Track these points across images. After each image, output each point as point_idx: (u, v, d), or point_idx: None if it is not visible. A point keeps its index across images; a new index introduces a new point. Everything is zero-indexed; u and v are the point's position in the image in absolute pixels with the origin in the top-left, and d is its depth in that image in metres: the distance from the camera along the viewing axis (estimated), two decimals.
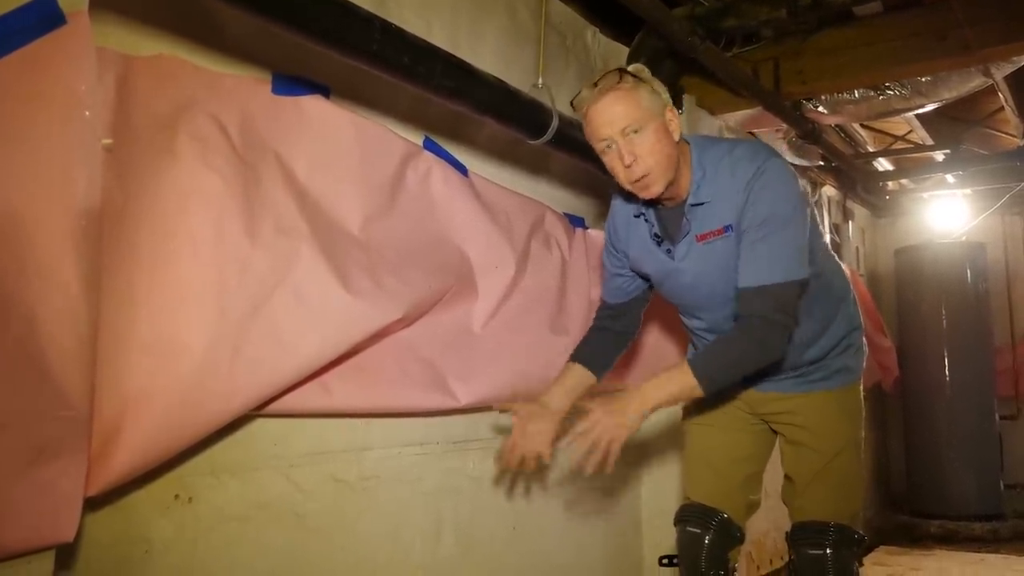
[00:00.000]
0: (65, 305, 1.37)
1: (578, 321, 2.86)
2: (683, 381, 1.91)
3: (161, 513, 1.75)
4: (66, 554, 1.54)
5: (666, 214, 2.08)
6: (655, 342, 3.18)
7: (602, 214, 3.47)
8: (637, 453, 3.63)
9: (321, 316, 1.90)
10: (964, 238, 6.54)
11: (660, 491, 3.59)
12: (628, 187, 1.97)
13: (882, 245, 7.19)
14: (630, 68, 1.96)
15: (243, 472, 1.92)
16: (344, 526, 2.17)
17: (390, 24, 2.00)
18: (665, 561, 2.45)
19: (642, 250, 2.16)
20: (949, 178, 6.17)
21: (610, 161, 1.95)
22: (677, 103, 2.08)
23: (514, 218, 2.71)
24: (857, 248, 6.58)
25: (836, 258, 2.29)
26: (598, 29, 3.52)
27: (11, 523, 1.33)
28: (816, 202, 5.71)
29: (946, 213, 6.72)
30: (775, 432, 2.32)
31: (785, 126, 4.31)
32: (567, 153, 2.81)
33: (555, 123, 2.60)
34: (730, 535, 2.26)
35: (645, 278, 2.24)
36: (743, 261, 1.92)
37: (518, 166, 3.00)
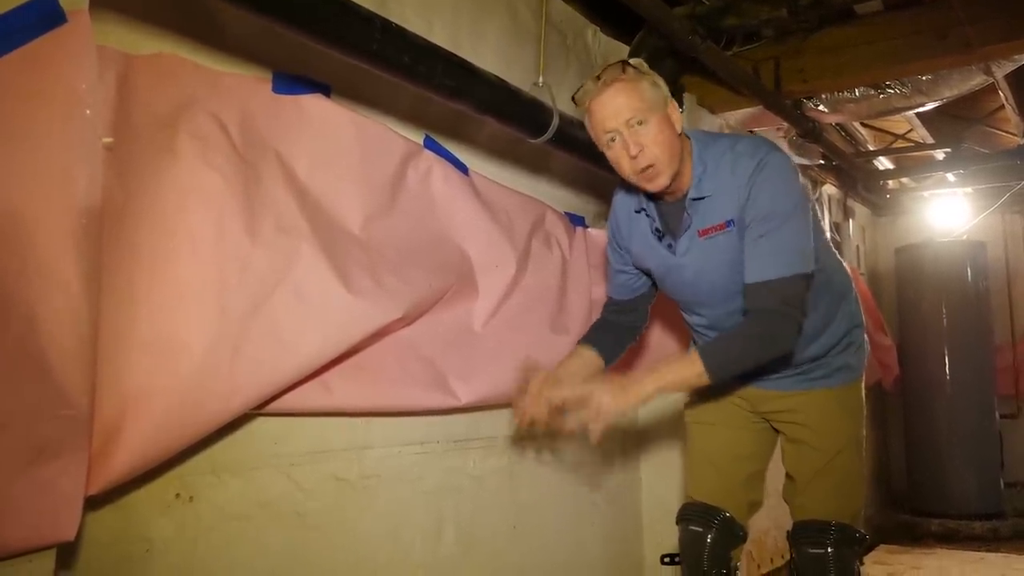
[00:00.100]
0: (65, 304, 1.37)
1: (579, 320, 2.86)
2: (690, 368, 1.91)
3: (162, 512, 1.75)
4: (67, 553, 1.54)
5: (667, 209, 2.08)
6: (657, 340, 3.18)
7: (602, 213, 3.47)
8: (638, 452, 3.63)
9: (322, 315, 1.90)
10: (964, 237, 6.54)
11: (661, 490, 3.59)
12: (634, 179, 1.97)
13: (883, 244, 7.19)
14: (631, 61, 1.96)
15: (244, 471, 1.92)
16: (345, 525, 2.17)
17: (391, 23, 2.00)
18: (667, 560, 2.45)
19: (643, 245, 2.16)
20: (950, 177, 6.16)
21: (615, 153, 1.95)
22: (678, 102, 2.09)
23: (515, 217, 2.71)
24: (858, 246, 6.58)
25: (838, 255, 2.29)
26: (599, 28, 3.52)
27: (12, 522, 1.33)
28: (817, 200, 5.71)
29: (946, 212, 6.72)
30: (777, 431, 2.32)
31: (786, 125, 4.31)
32: (567, 152, 2.81)
33: (556, 122, 2.60)
34: (732, 534, 2.26)
35: (648, 274, 2.24)
36: (748, 257, 1.93)
37: (519, 165, 3.00)
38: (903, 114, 4.60)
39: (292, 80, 2.04)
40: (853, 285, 2.29)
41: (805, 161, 5.03)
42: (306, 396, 1.94)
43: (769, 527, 3.87)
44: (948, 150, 5.64)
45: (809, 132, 4.28)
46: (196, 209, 1.72)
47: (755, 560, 3.83)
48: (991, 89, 4.29)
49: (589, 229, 3.17)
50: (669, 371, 1.95)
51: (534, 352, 2.62)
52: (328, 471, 2.14)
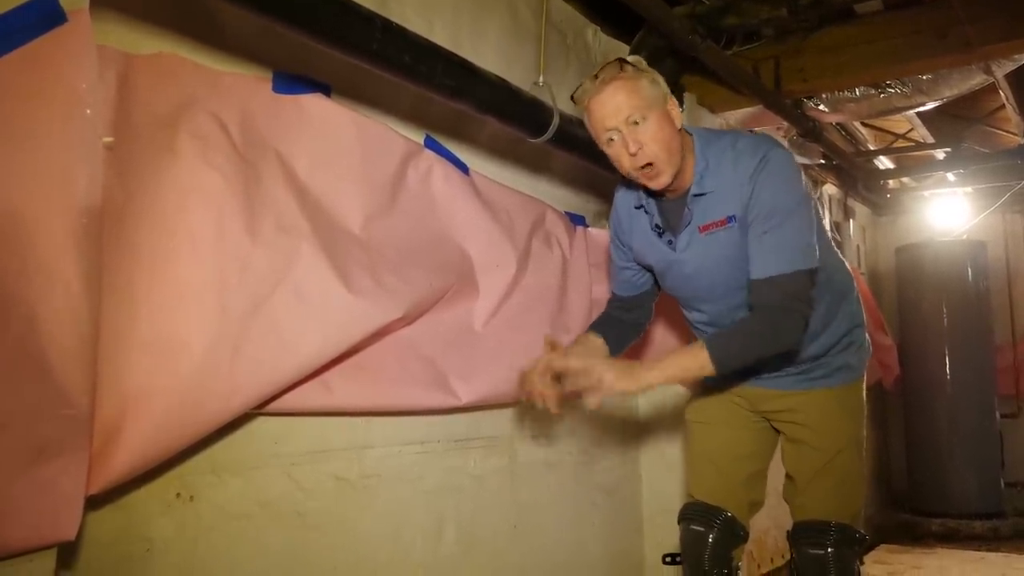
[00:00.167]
0: (66, 304, 1.37)
1: (579, 319, 2.86)
2: (696, 358, 1.92)
3: (162, 512, 1.75)
4: (67, 553, 1.54)
5: (668, 205, 2.09)
6: (660, 338, 3.18)
7: (602, 213, 3.47)
8: (638, 452, 3.63)
9: (322, 315, 1.90)
10: (965, 236, 6.53)
11: (661, 490, 3.59)
12: (635, 176, 1.97)
13: (883, 243, 7.19)
14: (629, 59, 1.96)
15: (244, 471, 1.92)
16: (345, 525, 2.17)
17: (391, 23, 2.00)
18: (668, 559, 2.45)
19: (644, 242, 2.17)
20: (950, 176, 6.16)
21: (615, 151, 1.95)
22: (678, 102, 2.10)
23: (515, 217, 2.71)
24: (858, 246, 6.58)
25: (840, 255, 2.28)
26: (599, 28, 3.52)
27: (13, 521, 1.33)
28: (818, 200, 5.71)
29: (947, 211, 6.71)
30: (777, 430, 2.32)
31: (786, 124, 4.31)
32: (568, 151, 2.81)
33: (556, 121, 2.60)
34: (734, 533, 2.25)
35: (650, 270, 2.24)
36: (752, 254, 1.93)
37: (519, 165, 3.00)
38: (903, 113, 4.60)
39: (292, 80, 2.04)
40: (855, 284, 2.28)
41: (805, 161, 5.03)
42: (306, 396, 1.94)
43: (769, 526, 3.87)
44: (948, 150, 5.64)
45: (809, 131, 4.28)
46: (196, 209, 1.72)
47: (755, 560, 3.83)
48: (991, 89, 4.29)
49: (589, 228, 3.17)
50: (674, 360, 1.97)
51: (535, 352, 2.62)
52: (328, 471, 2.14)
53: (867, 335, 2.31)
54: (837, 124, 5.29)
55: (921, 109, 4.39)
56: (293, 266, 1.87)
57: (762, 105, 3.87)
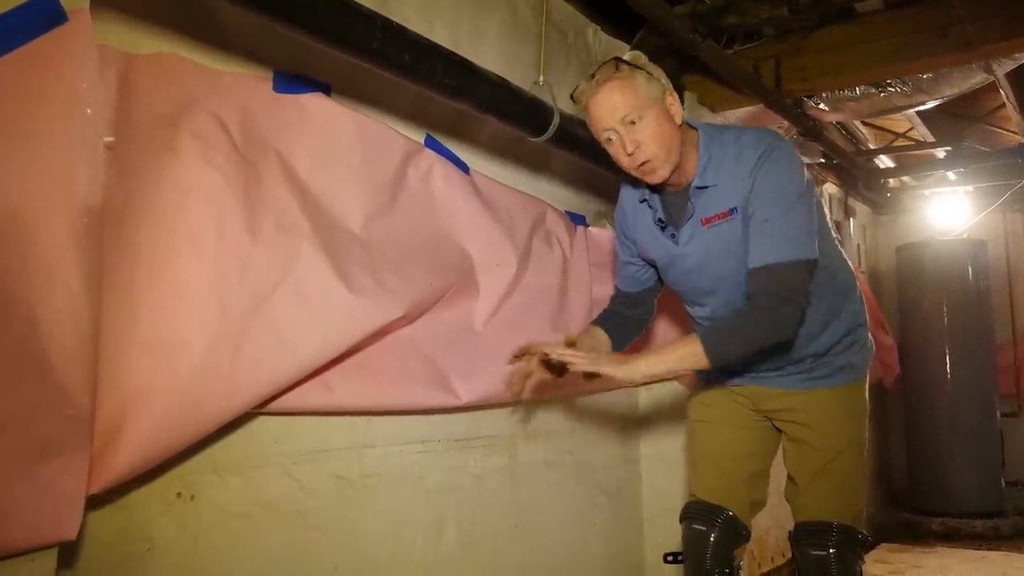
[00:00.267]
0: (67, 303, 1.37)
1: (580, 319, 2.86)
2: (690, 350, 1.92)
3: (163, 511, 1.75)
4: (68, 552, 1.54)
5: (671, 199, 2.09)
6: (663, 335, 3.18)
7: (603, 212, 3.48)
8: (639, 451, 3.64)
9: (322, 314, 1.90)
10: (965, 235, 6.53)
11: (662, 490, 3.59)
12: (634, 174, 1.99)
13: (883, 242, 7.19)
14: (626, 56, 1.97)
15: (244, 470, 1.92)
16: (346, 524, 2.17)
17: (391, 22, 2.00)
18: (670, 558, 2.45)
19: (648, 236, 2.18)
20: (950, 175, 6.16)
21: (614, 151, 1.97)
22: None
23: (515, 216, 2.71)
24: (858, 245, 6.58)
25: (843, 254, 2.27)
26: (599, 27, 3.52)
27: (14, 521, 1.33)
28: (820, 197, 5.70)
29: (947, 210, 6.71)
30: (779, 430, 2.32)
31: (786, 123, 4.31)
32: (568, 151, 2.81)
33: (556, 121, 2.60)
34: (736, 533, 2.25)
35: (653, 265, 2.24)
36: (751, 243, 1.93)
37: (519, 164, 3.00)
38: (904, 112, 4.60)
39: (293, 79, 2.04)
40: (857, 284, 2.28)
41: (806, 160, 5.03)
42: (307, 395, 1.94)
43: (770, 526, 3.87)
44: (949, 148, 5.64)
45: (810, 131, 4.28)
46: (197, 208, 1.72)
47: (756, 559, 3.83)
48: (992, 87, 4.29)
49: (590, 228, 3.17)
50: (669, 352, 1.98)
51: None
52: (329, 470, 2.14)
53: (870, 335, 2.30)
54: (837, 123, 5.30)
55: (921, 108, 4.39)
56: (293, 265, 1.87)
57: (763, 104, 3.87)
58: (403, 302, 2.12)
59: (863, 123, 5.68)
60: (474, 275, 2.51)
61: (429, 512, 2.45)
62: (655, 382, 3.49)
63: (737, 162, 1.95)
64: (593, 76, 1.92)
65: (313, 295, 1.89)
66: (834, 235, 2.23)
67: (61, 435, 1.38)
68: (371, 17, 1.93)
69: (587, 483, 3.23)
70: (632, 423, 3.62)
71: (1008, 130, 5.63)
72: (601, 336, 2.27)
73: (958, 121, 5.55)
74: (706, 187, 1.99)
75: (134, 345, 1.59)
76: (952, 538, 5.76)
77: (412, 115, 2.48)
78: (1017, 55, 3.59)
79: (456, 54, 2.25)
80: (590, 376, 2.02)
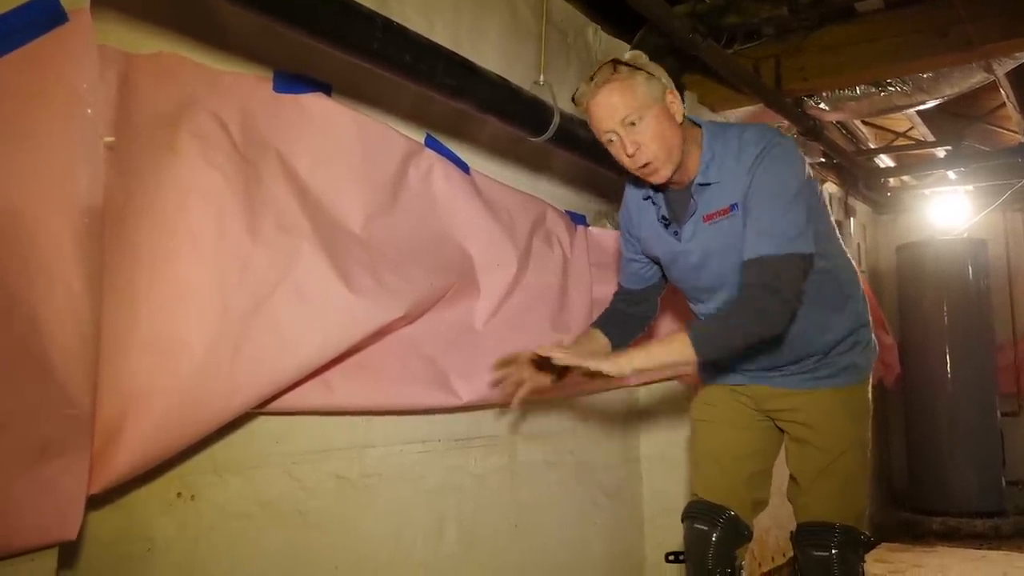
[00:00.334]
0: (67, 304, 1.37)
1: (580, 319, 2.86)
2: (679, 345, 1.92)
3: (163, 511, 1.75)
4: (68, 552, 1.54)
5: (674, 196, 2.10)
6: (667, 333, 3.18)
7: (603, 212, 3.48)
8: (639, 451, 3.64)
9: (322, 314, 1.90)
10: (965, 234, 6.53)
11: (663, 490, 3.59)
12: (637, 174, 2.00)
13: (883, 242, 7.18)
14: (625, 56, 1.97)
15: (245, 470, 1.92)
16: (346, 524, 2.17)
17: (392, 22, 2.00)
18: (672, 557, 2.44)
19: (651, 233, 2.18)
20: (950, 175, 6.16)
21: (615, 152, 1.98)
22: None
23: (516, 216, 2.71)
24: (859, 245, 6.57)
25: (847, 253, 2.26)
26: (599, 26, 3.52)
27: (14, 521, 1.33)
28: (822, 195, 5.70)
29: (947, 210, 6.70)
30: (783, 430, 2.31)
31: (786, 123, 4.31)
32: (568, 150, 2.81)
33: (556, 120, 2.60)
34: (738, 533, 2.24)
35: (657, 262, 2.25)
36: (747, 236, 1.93)
37: (519, 164, 3.00)
38: (904, 112, 4.60)
39: (293, 79, 2.04)
40: (860, 283, 2.27)
41: (806, 159, 5.03)
42: (307, 395, 1.94)
43: (770, 525, 3.87)
44: (949, 148, 5.64)
45: (810, 130, 4.28)
46: (197, 208, 1.72)
47: (756, 558, 3.83)
48: (992, 87, 4.29)
49: (590, 228, 3.17)
50: (658, 347, 1.99)
51: None
52: (329, 470, 2.14)
53: (874, 335, 2.29)
54: (837, 122, 5.29)
55: (922, 107, 4.39)
56: (294, 265, 1.87)
57: (763, 104, 3.86)
58: (403, 302, 2.12)
59: (863, 122, 5.68)
60: (474, 275, 2.51)
61: (429, 512, 2.45)
62: (653, 381, 3.49)
63: (738, 158, 1.96)
64: (592, 78, 1.93)
65: (313, 295, 1.89)
66: (838, 234, 2.22)
67: (62, 435, 1.38)
68: (371, 17, 1.93)
69: (587, 483, 3.23)
70: (632, 423, 3.62)
71: (1008, 129, 5.63)
72: (600, 339, 2.27)
73: (958, 120, 5.55)
74: (708, 184, 1.99)
75: (134, 345, 1.59)
76: (952, 537, 5.76)
77: (412, 115, 2.48)
78: (1017, 54, 3.59)
79: (456, 54, 2.25)
80: (589, 375, 2.02)
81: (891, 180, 6.45)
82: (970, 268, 6.24)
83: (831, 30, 3.64)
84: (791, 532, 2.24)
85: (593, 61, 3.42)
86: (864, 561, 2.19)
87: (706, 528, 2.23)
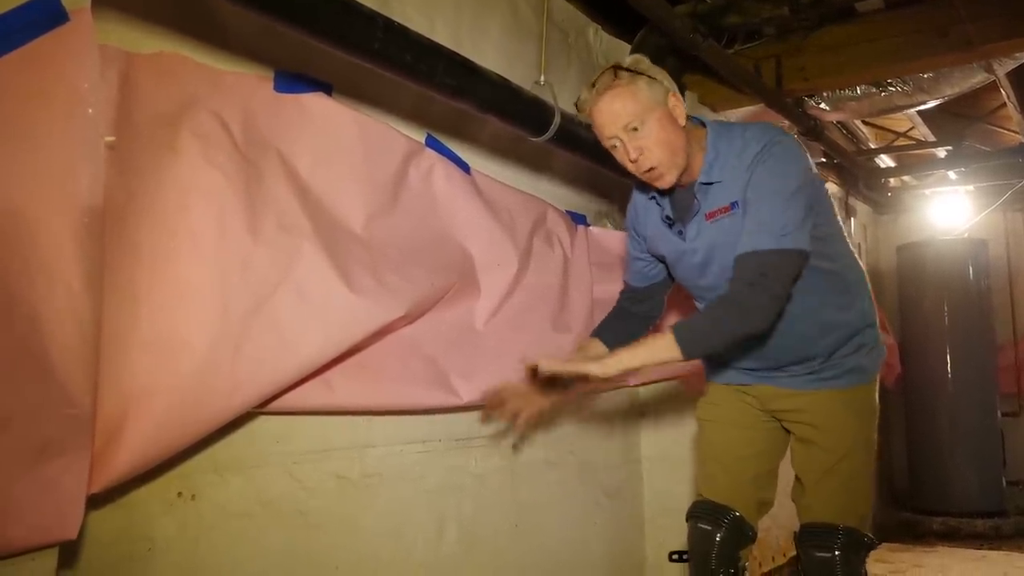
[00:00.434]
0: (68, 303, 1.37)
1: (580, 318, 2.86)
2: (664, 343, 1.92)
3: (164, 511, 1.75)
4: (69, 552, 1.54)
5: (678, 196, 2.10)
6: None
7: (604, 212, 3.48)
8: (640, 450, 3.63)
9: (323, 314, 1.90)
10: (966, 235, 6.53)
11: (663, 489, 3.59)
12: (642, 179, 2.01)
13: (884, 242, 7.18)
14: (626, 61, 1.97)
15: (246, 469, 1.92)
16: (347, 523, 2.17)
17: (393, 22, 2.00)
18: (676, 557, 2.44)
19: (656, 232, 2.19)
20: (951, 175, 6.16)
21: (619, 157, 1.99)
22: None
23: (516, 216, 2.71)
24: (859, 245, 6.57)
25: (855, 253, 2.24)
26: (600, 26, 3.52)
27: (14, 520, 1.33)
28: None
29: (948, 210, 6.70)
30: (788, 430, 2.31)
31: (787, 123, 4.31)
32: (569, 150, 2.81)
33: (557, 120, 2.60)
34: (742, 533, 2.24)
35: (663, 261, 2.25)
36: (743, 232, 1.93)
37: (520, 163, 3.00)
38: (904, 112, 4.60)
39: (294, 79, 2.04)
40: (867, 283, 2.26)
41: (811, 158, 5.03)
42: (308, 395, 1.94)
43: (770, 525, 3.87)
44: (949, 148, 5.64)
45: (810, 130, 4.28)
46: (198, 207, 1.72)
47: (756, 558, 3.83)
48: (992, 87, 4.29)
49: (591, 227, 3.17)
50: (643, 346, 1.99)
51: (536, 351, 2.62)
52: (330, 470, 2.14)
53: (880, 335, 2.28)
54: (838, 122, 5.29)
55: (922, 107, 4.39)
56: (294, 265, 1.87)
57: (763, 104, 3.87)
58: (404, 302, 2.12)
59: (864, 122, 5.68)
60: (475, 275, 2.51)
61: (430, 512, 2.45)
62: (654, 382, 3.49)
63: (740, 156, 1.96)
64: (594, 85, 1.94)
65: (314, 295, 1.89)
66: (846, 235, 2.22)
67: (62, 435, 1.38)
68: (372, 17, 1.93)
69: (588, 483, 3.23)
70: (634, 423, 3.62)
71: (1009, 129, 5.63)
72: (597, 348, 2.28)
73: (959, 120, 5.55)
74: (711, 183, 2.00)
75: (135, 344, 1.59)
76: (953, 537, 5.76)
77: (413, 115, 2.48)
78: (1018, 54, 3.58)
79: (457, 54, 2.25)
80: (580, 380, 2.05)
81: (892, 180, 6.45)
82: (971, 268, 6.24)
83: (831, 30, 3.65)
84: (794, 532, 2.24)
85: (594, 61, 3.42)
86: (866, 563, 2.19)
87: (710, 528, 2.23)
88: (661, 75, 1.96)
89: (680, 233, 2.10)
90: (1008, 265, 6.80)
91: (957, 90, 4.02)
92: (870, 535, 2.17)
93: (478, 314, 2.53)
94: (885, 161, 6.09)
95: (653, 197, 2.16)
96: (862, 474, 2.18)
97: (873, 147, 5.90)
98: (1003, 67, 3.76)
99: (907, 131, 5.89)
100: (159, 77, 1.75)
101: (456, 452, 2.57)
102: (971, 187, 6.46)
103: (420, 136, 2.43)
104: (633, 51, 3.18)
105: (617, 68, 1.94)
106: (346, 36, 1.88)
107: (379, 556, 2.25)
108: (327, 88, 2.12)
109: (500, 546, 2.72)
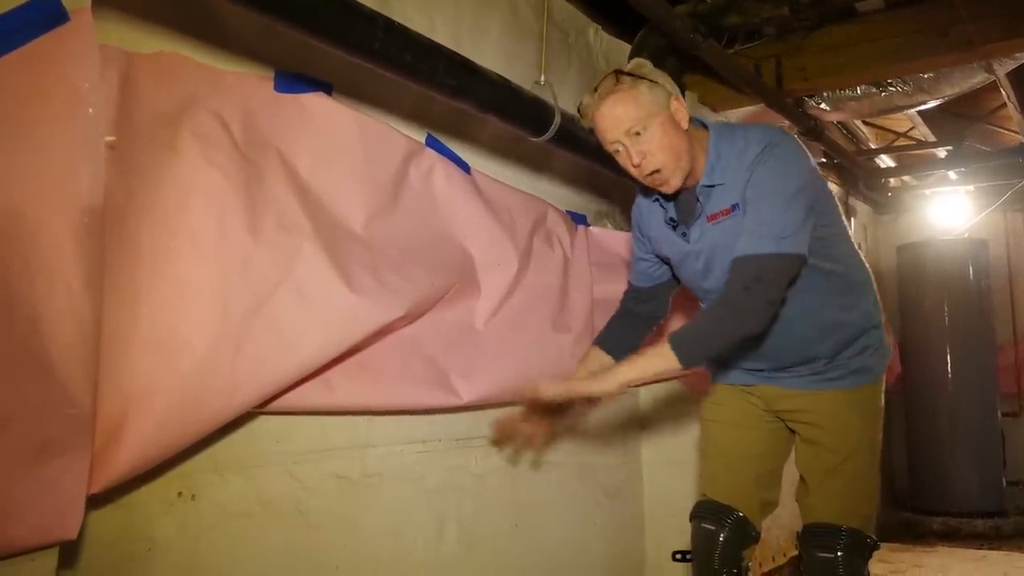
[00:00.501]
0: (68, 303, 1.37)
1: (580, 318, 2.86)
2: (661, 353, 1.92)
3: (164, 511, 1.75)
4: (69, 552, 1.54)
5: (681, 198, 2.10)
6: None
7: (604, 212, 3.48)
8: (640, 450, 3.63)
9: (323, 313, 1.90)
10: (966, 235, 6.53)
11: (663, 489, 3.58)
12: (645, 183, 2.00)
13: (884, 242, 7.18)
14: (628, 66, 1.97)
15: (246, 469, 1.92)
16: (347, 523, 2.17)
17: (393, 21, 2.00)
18: (679, 556, 2.45)
19: (660, 233, 2.19)
20: (951, 175, 6.16)
21: (622, 162, 1.99)
22: None
23: (516, 215, 2.71)
24: (859, 245, 6.53)
25: (860, 254, 2.24)
26: (600, 26, 3.52)
27: (15, 520, 1.33)
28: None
29: (948, 210, 6.71)
30: (793, 431, 2.31)
31: (787, 123, 4.31)
32: (569, 150, 2.81)
33: (557, 120, 2.60)
34: (745, 534, 2.24)
35: (667, 262, 2.25)
36: (741, 234, 1.93)
37: (520, 163, 3.00)
38: (905, 112, 4.60)
39: (294, 78, 2.04)
40: (873, 284, 2.25)
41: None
42: (308, 395, 1.94)
43: (770, 525, 3.86)
44: (950, 148, 5.64)
45: (810, 130, 4.28)
46: (198, 207, 1.72)
47: (756, 559, 3.83)
48: (993, 87, 4.29)
49: (591, 227, 3.17)
50: (641, 358, 1.99)
51: (536, 350, 2.63)
52: (330, 469, 2.14)
53: (885, 336, 2.27)
54: (838, 122, 5.29)
55: (922, 107, 4.39)
56: (295, 265, 1.87)
57: (763, 104, 3.87)
58: (404, 302, 2.12)
59: (864, 122, 5.68)
60: (475, 275, 2.51)
61: (430, 512, 2.45)
62: (655, 382, 3.49)
63: (741, 158, 1.95)
64: (596, 90, 1.94)
65: (314, 294, 1.89)
66: (851, 235, 2.21)
67: (62, 434, 1.38)
68: (373, 17, 1.93)
69: (588, 483, 3.23)
70: (634, 423, 3.62)
71: (1009, 129, 5.63)
72: (600, 359, 2.29)
73: (959, 120, 5.55)
74: (713, 186, 1.99)
75: (135, 344, 1.59)
76: (953, 537, 5.76)
77: (413, 115, 2.48)
78: (1018, 54, 3.58)
79: (457, 54, 2.25)
80: (585, 399, 2.08)
81: (892, 180, 6.45)
82: (971, 268, 6.24)
83: (832, 30, 3.65)
84: (797, 532, 2.23)
85: (594, 61, 3.42)
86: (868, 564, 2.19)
87: (713, 528, 2.23)
88: (663, 79, 1.96)
89: (684, 235, 2.11)
90: (1008, 265, 6.80)
91: (957, 90, 4.02)
92: (873, 536, 2.16)
93: (478, 314, 2.53)
94: (885, 161, 6.10)
95: (657, 199, 2.16)
96: (866, 475, 2.18)
97: (873, 147, 5.91)
98: (1003, 67, 3.76)
99: (907, 131, 5.89)
100: (159, 77, 1.75)
101: (456, 452, 2.57)
102: (971, 187, 6.46)
103: (420, 136, 2.43)
104: (633, 51, 3.19)
105: (619, 73, 1.94)
106: (346, 36, 1.88)
107: (379, 556, 2.25)
108: (327, 88, 2.12)
109: (500, 546, 2.72)
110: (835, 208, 2.11)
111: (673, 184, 1.97)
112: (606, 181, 3.36)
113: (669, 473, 3.58)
